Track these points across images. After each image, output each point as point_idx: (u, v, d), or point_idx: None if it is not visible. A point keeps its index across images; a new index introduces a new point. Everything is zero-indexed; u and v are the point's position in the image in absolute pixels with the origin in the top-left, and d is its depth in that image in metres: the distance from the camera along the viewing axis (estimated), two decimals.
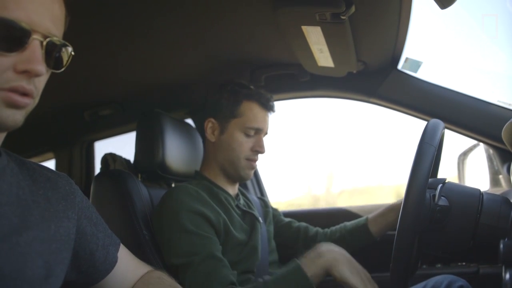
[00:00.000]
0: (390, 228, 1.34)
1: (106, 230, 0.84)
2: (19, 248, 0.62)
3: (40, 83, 0.64)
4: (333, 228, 1.44)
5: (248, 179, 1.34)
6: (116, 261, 0.83)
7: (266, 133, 1.34)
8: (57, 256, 0.69)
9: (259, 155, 1.32)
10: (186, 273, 1.07)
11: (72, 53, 0.68)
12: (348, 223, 1.42)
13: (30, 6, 0.59)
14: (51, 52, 0.63)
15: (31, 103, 0.63)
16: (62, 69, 0.68)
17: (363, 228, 1.37)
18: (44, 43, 0.61)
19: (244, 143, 1.28)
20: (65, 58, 0.67)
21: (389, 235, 1.36)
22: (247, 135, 1.28)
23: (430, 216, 0.85)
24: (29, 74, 0.60)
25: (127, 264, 0.85)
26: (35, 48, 0.60)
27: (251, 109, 1.30)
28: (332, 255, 1.07)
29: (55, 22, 0.63)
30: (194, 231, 1.09)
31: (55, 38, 0.63)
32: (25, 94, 0.60)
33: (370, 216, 1.39)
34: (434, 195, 0.87)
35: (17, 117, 0.61)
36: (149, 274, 0.88)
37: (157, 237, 1.15)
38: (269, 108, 1.34)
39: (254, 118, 1.29)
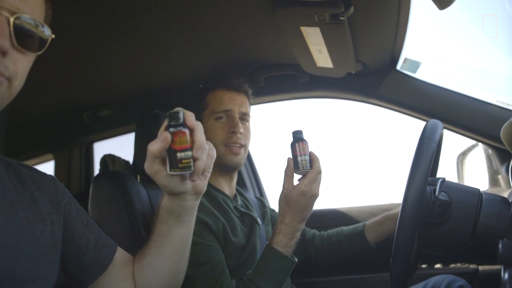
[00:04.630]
0: (386, 236, 1.34)
1: (100, 232, 0.82)
2: (6, 250, 0.61)
3: (15, 64, 0.61)
4: (330, 231, 1.44)
5: (234, 166, 1.29)
6: (108, 264, 0.81)
7: (244, 114, 1.31)
8: (45, 259, 0.68)
9: (247, 144, 1.31)
10: (190, 284, 1.06)
11: (52, 36, 0.66)
12: (345, 228, 1.42)
13: None
14: (22, 30, 0.61)
15: (4, 82, 0.60)
16: (41, 52, 0.65)
17: (360, 235, 1.37)
18: (12, 19, 0.59)
19: (218, 129, 1.27)
20: (42, 38, 0.64)
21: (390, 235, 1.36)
22: (219, 121, 1.28)
23: (430, 210, 0.85)
24: None
25: (124, 267, 0.84)
26: None
27: (215, 95, 1.31)
28: (293, 227, 1.07)
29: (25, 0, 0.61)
30: (196, 240, 1.08)
31: (25, 15, 0.61)
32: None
33: (367, 223, 1.39)
34: (434, 190, 0.87)
35: None
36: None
37: None
38: (234, 88, 1.32)
39: (219, 102, 1.29)
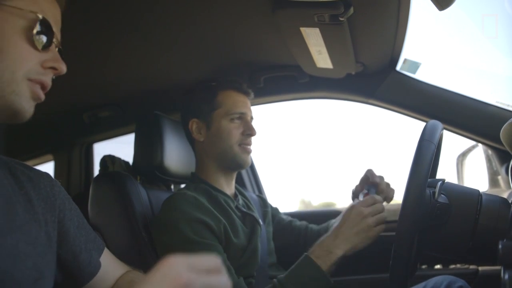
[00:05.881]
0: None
1: (89, 234, 0.82)
2: (5, 249, 0.61)
3: None
4: (320, 225, 1.44)
5: (246, 165, 1.33)
6: (100, 266, 0.82)
7: (252, 118, 1.35)
8: (43, 259, 0.68)
9: (252, 141, 1.33)
10: None
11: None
12: (333, 220, 1.41)
13: (52, 13, 0.68)
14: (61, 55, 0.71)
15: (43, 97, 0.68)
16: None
17: None
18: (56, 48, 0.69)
19: (233, 130, 1.29)
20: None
21: (389, 236, 1.36)
22: (233, 122, 1.29)
23: (430, 213, 0.85)
24: (55, 71, 0.67)
25: (108, 267, 0.84)
26: (56, 50, 0.68)
27: (229, 96, 1.32)
28: (330, 244, 1.08)
29: (59, 32, 0.71)
30: (197, 240, 1.08)
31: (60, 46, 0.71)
32: (43, 89, 0.67)
33: None
34: (434, 192, 0.87)
35: (32, 110, 0.67)
36: (122, 278, 0.87)
37: (156, 246, 1.14)
38: (245, 92, 1.35)
39: (234, 104, 1.31)
